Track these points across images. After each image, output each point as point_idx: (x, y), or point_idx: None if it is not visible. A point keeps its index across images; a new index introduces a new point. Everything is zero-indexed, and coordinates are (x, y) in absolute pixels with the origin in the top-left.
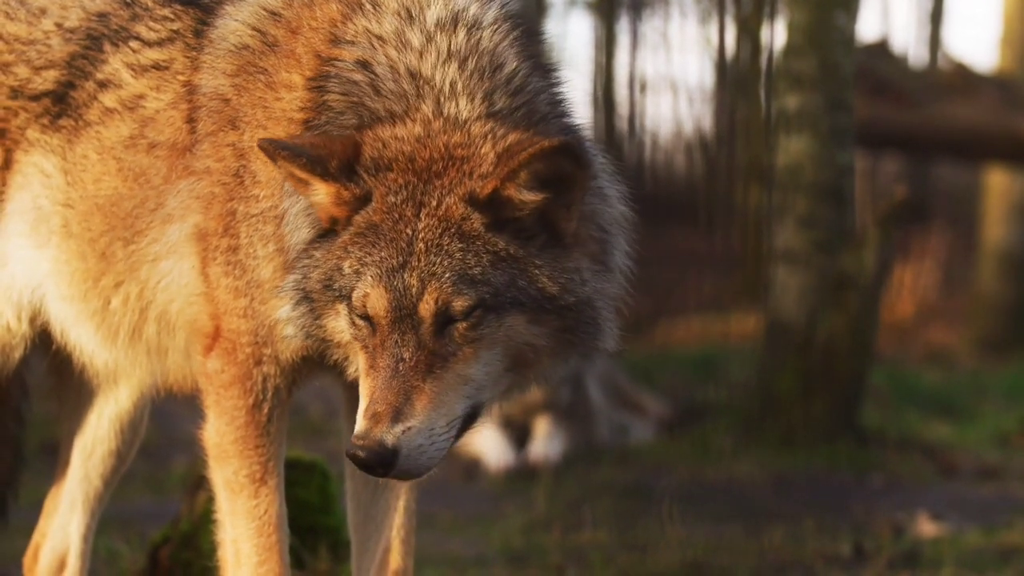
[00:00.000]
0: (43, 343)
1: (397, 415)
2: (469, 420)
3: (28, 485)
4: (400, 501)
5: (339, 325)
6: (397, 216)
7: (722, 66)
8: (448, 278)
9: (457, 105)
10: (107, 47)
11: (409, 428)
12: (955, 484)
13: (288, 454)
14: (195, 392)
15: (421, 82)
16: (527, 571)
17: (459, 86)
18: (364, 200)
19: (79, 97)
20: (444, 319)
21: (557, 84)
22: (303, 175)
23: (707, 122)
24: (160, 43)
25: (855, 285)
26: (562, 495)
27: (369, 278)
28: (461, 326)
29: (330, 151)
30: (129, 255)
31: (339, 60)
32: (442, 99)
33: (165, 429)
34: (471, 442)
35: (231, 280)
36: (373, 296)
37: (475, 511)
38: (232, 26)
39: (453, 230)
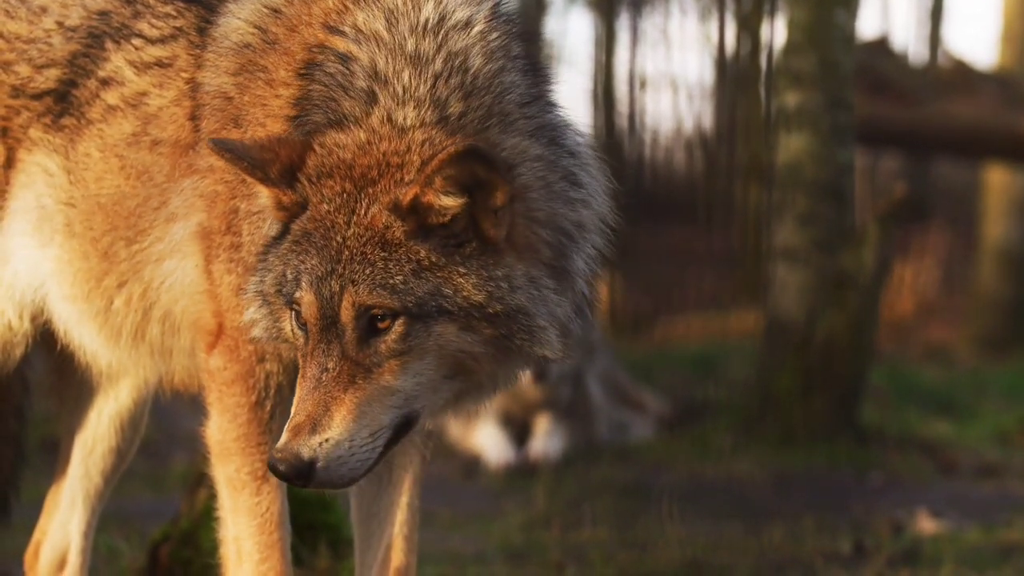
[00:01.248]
0: (45, 341)
1: (315, 427)
2: (403, 428)
3: (29, 482)
4: (403, 498)
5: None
6: (329, 224)
7: (722, 64)
8: (366, 285)
9: (405, 111)
10: (109, 45)
11: (327, 440)
12: (955, 482)
13: None
14: (200, 391)
15: (381, 84)
16: (527, 569)
17: (411, 91)
18: (301, 207)
19: (81, 95)
20: (366, 328)
21: (540, 83)
22: (246, 178)
23: (707, 120)
24: (163, 40)
25: (855, 283)
26: (562, 493)
27: (304, 284)
28: (388, 338)
29: (275, 156)
30: (132, 255)
31: (328, 47)
32: (394, 104)
33: (165, 427)
34: (471, 439)
35: (233, 278)
36: (305, 302)
37: (475, 509)
38: (234, 24)
39: (377, 239)
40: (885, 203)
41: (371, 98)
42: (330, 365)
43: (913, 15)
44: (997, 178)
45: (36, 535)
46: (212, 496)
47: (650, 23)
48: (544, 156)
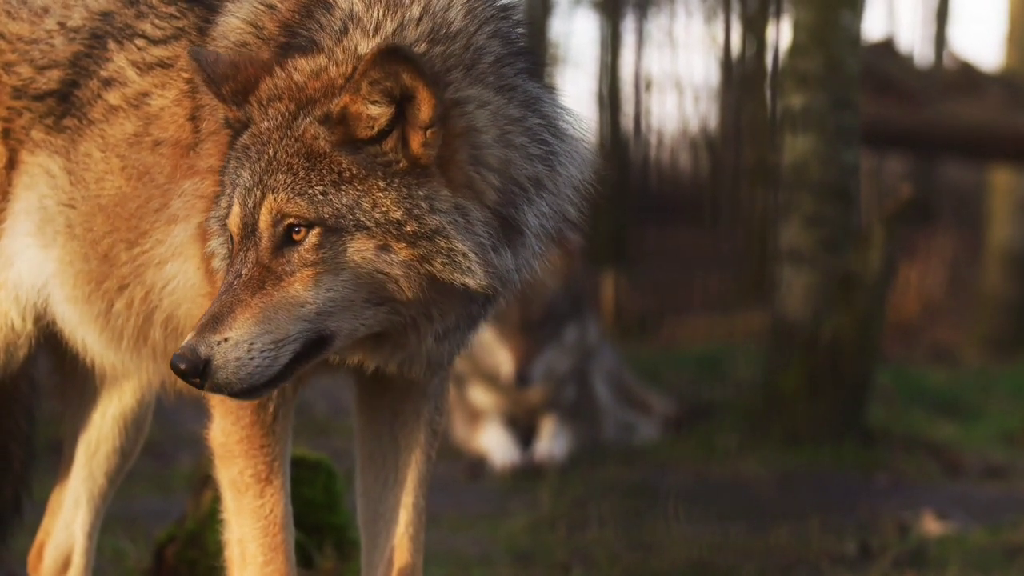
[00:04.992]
0: (48, 341)
1: (217, 327)
2: (316, 347)
3: (34, 482)
4: (409, 498)
5: None
6: (265, 140)
7: (728, 65)
8: (285, 193)
9: (368, 43)
10: (112, 45)
11: (226, 340)
12: (961, 483)
13: (293, 452)
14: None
15: (355, 23)
16: (532, 570)
17: (379, 27)
18: (245, 126)
19: (83, 96)
20: (282, 237)
21: (522, 58)
22: (203, 89)
23: (712, 121)
24: (165, 40)
25: (861, 284)
26: (568, 494)
27: (234, 197)
28: (302, 248)
29: (233, 74)
30: (134, 258)
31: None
32: (360, 36)
33: (170, 428)
34: (477, 440)
35: None
36: (232, 213)
37: (480, 509)
38: (232, 23)
39: (304, 150)
40: (891, 204)
41: (343, 32)
42: (244, 271)
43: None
44: (1003, 179)
45: (40, 536)
46: (217, 497)
47: (655, 24)
48: (506, 110)
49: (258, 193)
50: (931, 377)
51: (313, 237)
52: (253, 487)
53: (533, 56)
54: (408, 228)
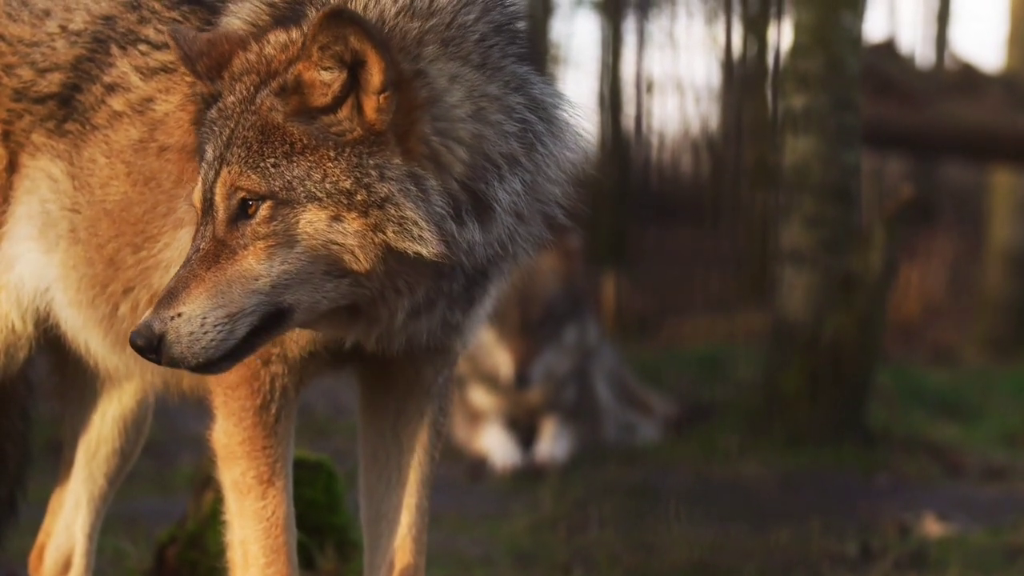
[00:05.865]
0: (48, 343)
1: (171, 301)
2: (274, 321)
3: (34, 484)
4: (412, 499)
5: None
6: (228, 114)
7: (729, 66)
8: (238, 166)
9: None
10: (115, 50)
11: (179, 314)
12: (962, 484)
13: (294, 453)
14: (208, 395)
15: None
16: (534, 570)
17: (357, 2)
18: (216, 99)
19: (86, 101)
20: (237, 210)
21: (512, 42)
22: (181, 66)
23: (714, 122)
24: (168, 45)
25: (861, 285)
26: (568, 495)
27: (199, 173)
28: (254, 221)
29: (209, 50)
30: (139, 261)
31: None
32: None
33: (171, 428)
34: (478, 441)
35: None
36: (195, 190)
37: (481, 511)
38: (234, 24)
39: (260, 123)
40: (892, 205)
41: (323, 7)
42: (202, 245)
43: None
44: (1004, 180)
45: (40, 537)
46: (219, 498)
47: (657, 25)
48: (485, 88)
49: (216, 168)
50: (932, 377)
51: (265, 210)
52: (255, 488)
53: (527, 42)
54: (358, 197)
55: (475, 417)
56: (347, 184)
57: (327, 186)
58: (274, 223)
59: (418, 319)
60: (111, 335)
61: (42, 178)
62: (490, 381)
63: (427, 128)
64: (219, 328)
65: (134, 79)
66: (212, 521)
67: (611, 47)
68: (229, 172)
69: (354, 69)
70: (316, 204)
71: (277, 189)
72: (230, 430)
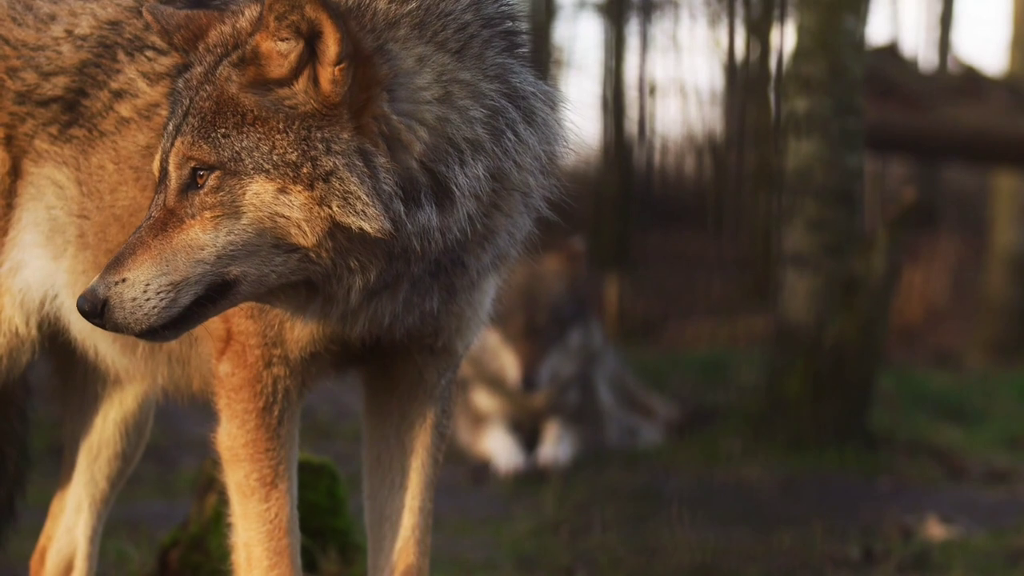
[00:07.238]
0: (50, 346)
1: (117, 267)
2: (221, 292)
3: (36, 486)
4: (416, 501)
5: None
6: (191, 86)
7: (731, 69)
8: (190, 136)
9: None
10: (121, 56)
11: (124, 280)
12: (964, 487)
13: (298, 456)
14: (214, 397)
15: None
16: (536, 574)
17: None
18: (186, 70)
19: (92, 107)
20: (187, 180)
21: (504, 36)
22: (159, 39)
23: (716, 125)
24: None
25: (864, 288)
26: (571, 498)
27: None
28: (202, 191)
29: (186, 23)
30: None
31: None
32: None
33: (174, 432)
34: (481, 445)
35: None
36: (155, 158)
37: (484, 514)
38: (240, 25)
39: (216, 93)
40: (894, 208)
41: None
42: (154, 214)
43: (922, 21)
44: (1006, 184)
45: (42, 540)
46: (222, 501)
47: (660, 28)
48: (457, 73)
49: (172, 137)
50: (934, 381)
51: (212, 180)
52: (259, 491)
53: (521, 37)
54: (304, 170)
55: (478, 420)
56: (293, 156)
57: (274, 158)
58: (221, 193)
59: (379, 300)
60: (121, 338)
61: (47, 185)
62: (495, 384)
63: (385, 106)
64: (161, 296)
65: (141, 85)
66: (215, 524)
67: (614, 50)
68: (182, 142)
69: (311, 41)
70: (263, 176)
71: (226, 159)
72: (233, 432)
